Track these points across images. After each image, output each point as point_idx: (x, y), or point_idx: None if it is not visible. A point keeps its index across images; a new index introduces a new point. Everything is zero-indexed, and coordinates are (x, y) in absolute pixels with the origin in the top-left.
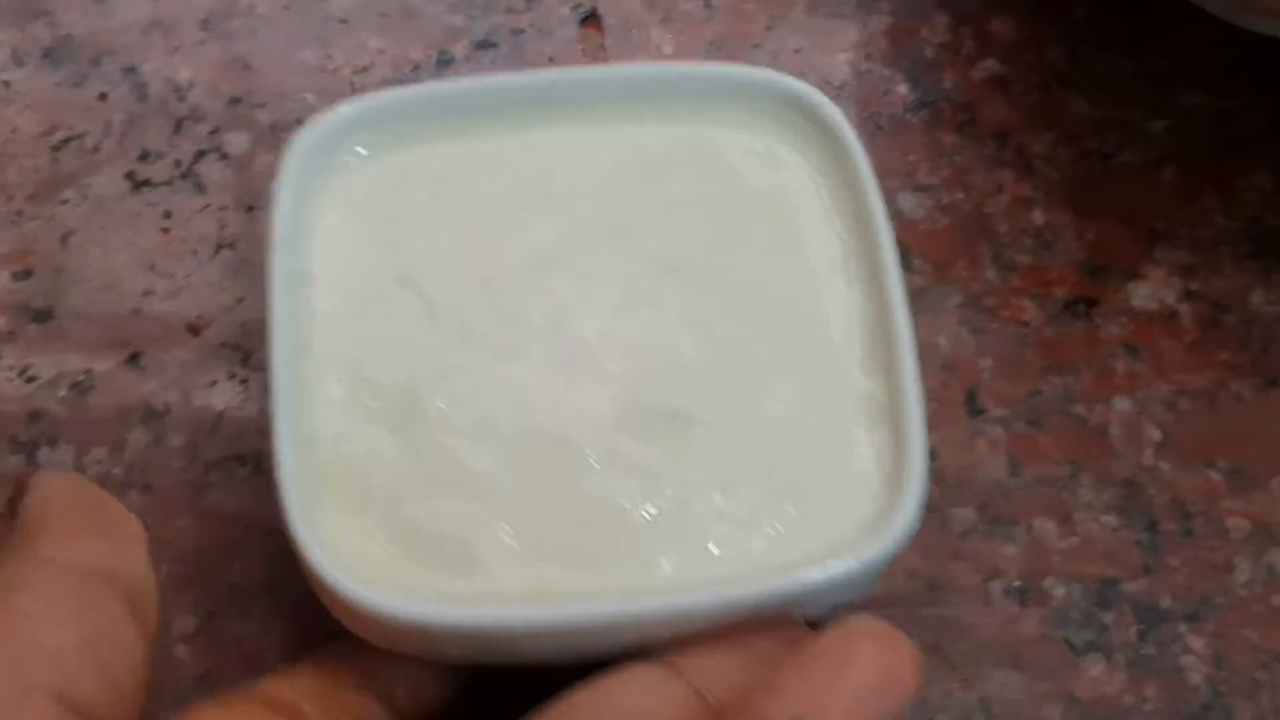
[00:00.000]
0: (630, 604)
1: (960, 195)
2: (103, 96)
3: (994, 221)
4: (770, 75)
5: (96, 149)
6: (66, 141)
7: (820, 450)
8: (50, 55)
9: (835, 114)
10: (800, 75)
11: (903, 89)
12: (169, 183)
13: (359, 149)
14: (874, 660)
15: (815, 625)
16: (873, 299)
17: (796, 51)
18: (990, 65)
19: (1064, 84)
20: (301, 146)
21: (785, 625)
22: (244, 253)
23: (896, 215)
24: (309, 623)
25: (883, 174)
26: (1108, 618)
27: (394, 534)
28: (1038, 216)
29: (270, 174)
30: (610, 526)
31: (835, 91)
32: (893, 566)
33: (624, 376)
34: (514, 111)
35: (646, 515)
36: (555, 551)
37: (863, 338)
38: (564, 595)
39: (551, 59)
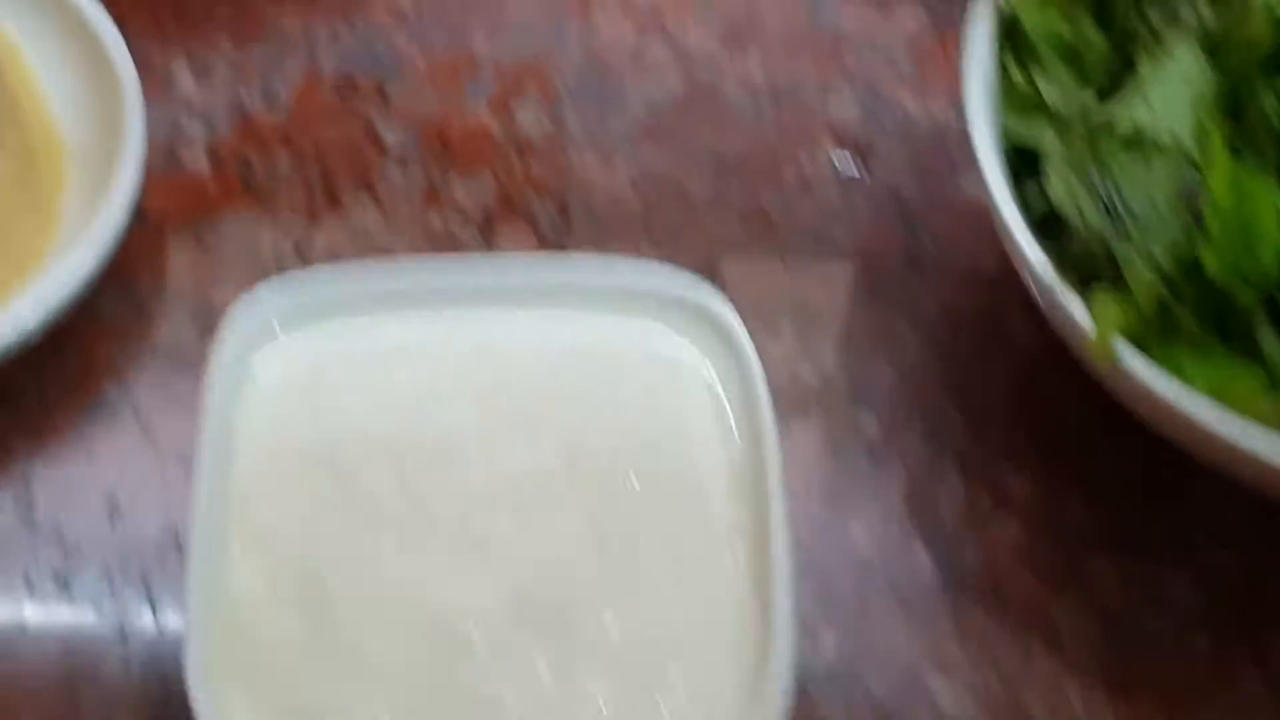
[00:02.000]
0: None
1: (991, 675)
2: None
3: (1029, 705)
4: (676, 281)
5: None
6: None
7: (695, 649)
8: None
9: (737, 327)
10: (817, 546)
11: (923, 558)
12: None
13: (281, 328)
14: None
15: None
16: (757, 509)
17: (808, 516)
18: (1011, 528)
19: (1086, 545)
20: (229, 330)
21: None
22: None
23: (930, 705)
24: None
25: (911, 656)
26: None
27: (284, 707)
28: (1074, 699)
29: None
30: (491, 717)
31: (860, 569)
32: None
33: (517, 571)
34: (443, 294)
35: (525, 706)
36: None
37: (742, 547)
38: None
39: None
